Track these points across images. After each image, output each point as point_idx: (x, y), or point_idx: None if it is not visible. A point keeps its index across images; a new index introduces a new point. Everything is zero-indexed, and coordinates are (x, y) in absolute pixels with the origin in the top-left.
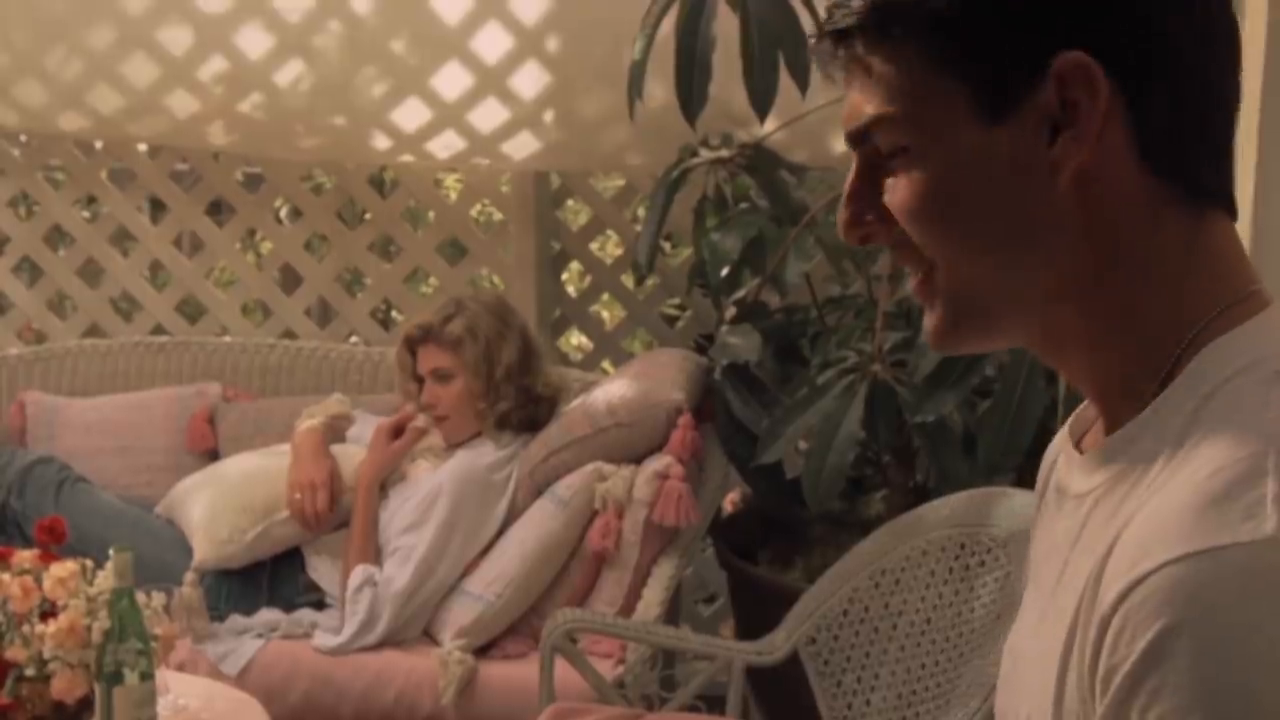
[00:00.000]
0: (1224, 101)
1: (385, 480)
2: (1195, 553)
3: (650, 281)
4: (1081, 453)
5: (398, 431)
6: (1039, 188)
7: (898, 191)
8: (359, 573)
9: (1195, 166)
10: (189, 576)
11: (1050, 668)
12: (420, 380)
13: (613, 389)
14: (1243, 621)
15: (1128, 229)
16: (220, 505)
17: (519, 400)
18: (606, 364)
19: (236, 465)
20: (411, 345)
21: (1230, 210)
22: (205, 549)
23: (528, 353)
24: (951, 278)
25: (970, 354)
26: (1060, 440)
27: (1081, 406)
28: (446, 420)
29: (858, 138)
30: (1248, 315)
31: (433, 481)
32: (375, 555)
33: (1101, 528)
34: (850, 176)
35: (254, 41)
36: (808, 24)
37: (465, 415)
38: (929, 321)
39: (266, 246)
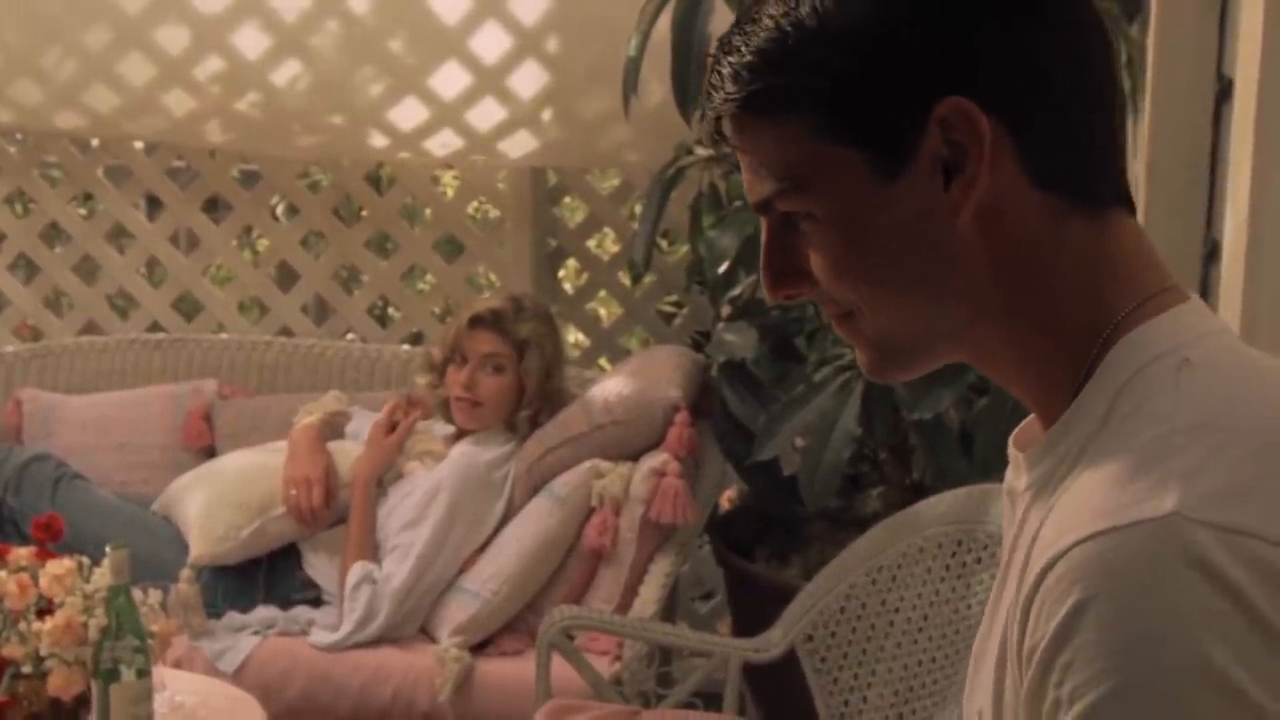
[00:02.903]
0: (1103, 103)
1: (383, 478)
2: (1102, 531)
3: (647, 279)
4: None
5: (393, 427)
6: (944, 230)
7: (814, 255)
8: (357, 569)
9: (1086, 174)
10: (185, 573)
11: (993, 661)
12: (450, 361)
13: (609, 386)
14: (1146, 593)
15: (1032, 249)
16: (216, 502)
17: (543, 408)
18: (603, 361)
19: (233, 462)
20: (474, 325)
21: (1129, 207)
22: (201, 545)
23: (563, 366)
24: (875, 324)
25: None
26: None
27: (1028, 419)
28: (480, 408)
29: (762, 207)
30: (1161, 310)
31: (432, 478)
32: (373, 552)
33: (1034, 519)
34: (764, 241)
35: (251, 41)
36: None
37: (497, 410)
38: (860, 358)
39: (263, 244)
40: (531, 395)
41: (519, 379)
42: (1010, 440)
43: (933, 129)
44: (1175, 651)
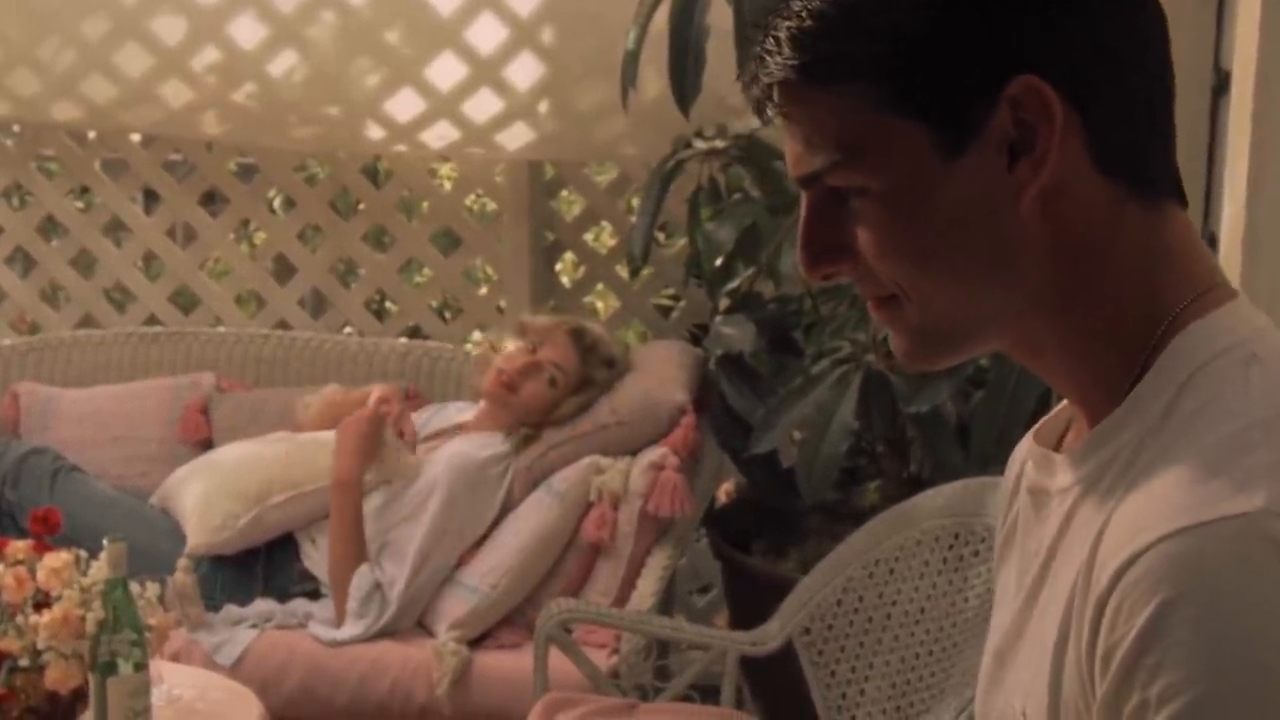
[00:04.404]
0: (1164, 91)
1: (382, 471)
2: (1189, 527)
3: (645, 272)
4: (1060, 452)
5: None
6: (1004, 212)
7: (863, 233)
8: (363, 577)
9: (1147, 161)
10: (182, 563)
11: (1044, 659)
12: (524, 338)
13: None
14: (1239, 593)
15: (1091, 235)
16: (214, 492)
17: (542, 434)
18: None
19: (230, 453)
20: (572, 335)
21: (1181, 198)
22: (198, 535)
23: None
24: (921, 307)
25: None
26: (1025, 448)
27: (1051, 413)
28: (511, 395)
29: (808, 181)
30: (1216, 304)
31: (429, 475)
32: (364, 550)
33: (1089, 516)
34: (803, 216)
35: (247, 32)
36: None
37: (520, 408)
38: (897, 344)
39: (260, 237)
40: (546, 419)
41: (556, 403)
42: (1031, 436)
43: (1003, 107)
44: (1271, 649)
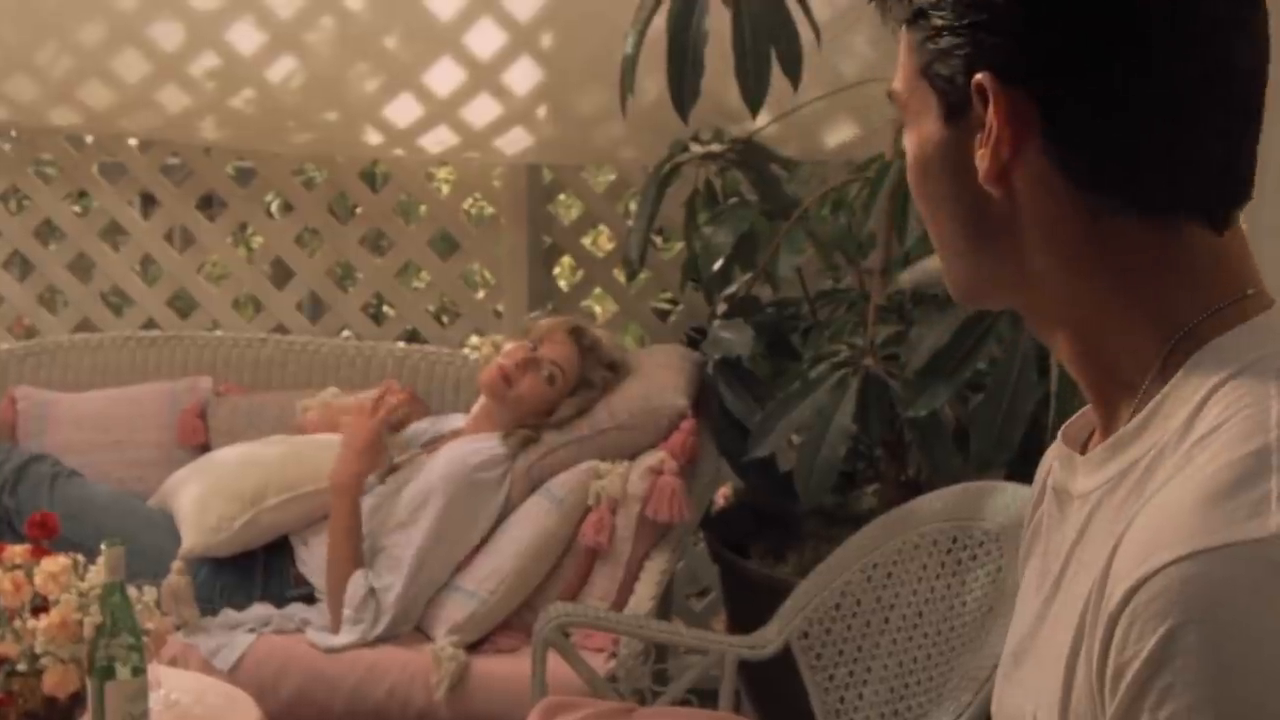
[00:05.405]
0: (1198, 117)
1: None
2: (1201, 551)
3: (642, 276)
4: (1084, 455)
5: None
6: (979, 190)
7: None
8: (358, 582)
9: (1138, 180)
10: (176, 564)
11: (1058, 666)
12: (526, 338)
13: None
14: (1250, 619)
15: (1074, 241)
16: (210, 493)
17: (542, 436)
18: None
19: (228, 454)
20: (572, 334)
21: (1211, 219)
22: (193, 537)
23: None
24: (932, 237)
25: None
26: (1054, 447)
27: (1078, 414)
28: (508, 388)
29: (890, 95)
30: (1246, 316)
31: (424, 480)
32: (362, 555)
33: (1106, 525)
34: None
35: (245, 37)
36: (800, 19)
37: (519, 404)
38: (946, 279)
39: (258, 241)
40: (544, 420)
41: (555, 403)
42: (1060, 434)
43: (974, 95)
44: (1276, 678)
